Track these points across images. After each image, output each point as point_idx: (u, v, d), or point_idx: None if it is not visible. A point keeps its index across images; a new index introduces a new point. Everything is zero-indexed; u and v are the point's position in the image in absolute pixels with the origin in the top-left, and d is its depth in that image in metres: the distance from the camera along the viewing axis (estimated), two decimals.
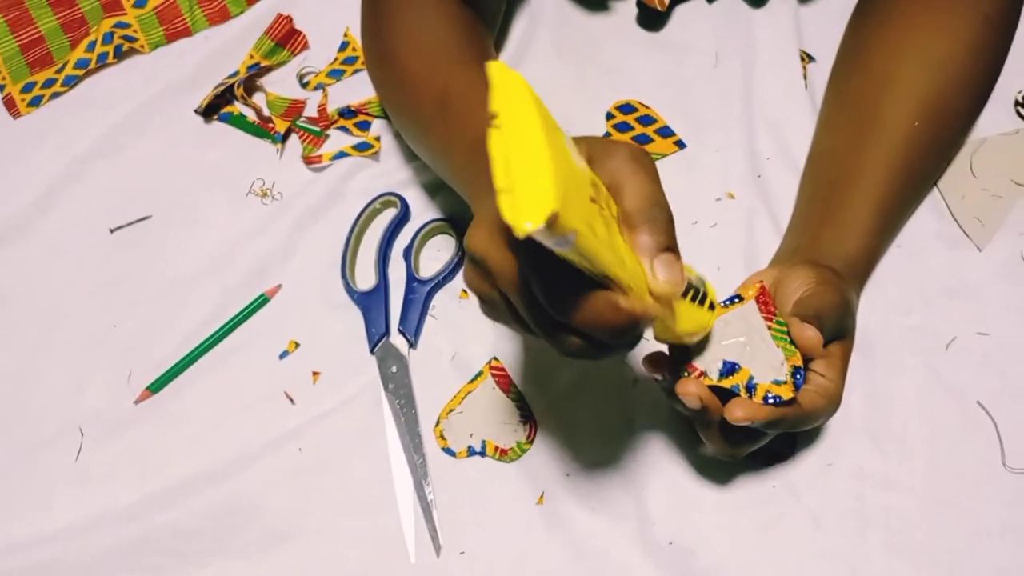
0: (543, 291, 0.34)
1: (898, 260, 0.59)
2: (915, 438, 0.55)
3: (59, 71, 0.72)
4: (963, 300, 0.58)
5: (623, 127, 0.66)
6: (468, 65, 0.53)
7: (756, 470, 0.55)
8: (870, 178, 0.54)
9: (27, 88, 0.71)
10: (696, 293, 0.42)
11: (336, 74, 0.71)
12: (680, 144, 0.65)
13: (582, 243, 0.29)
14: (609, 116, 0.66)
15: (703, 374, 0.45)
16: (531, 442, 0.56)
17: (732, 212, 0.62)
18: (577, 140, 0.36)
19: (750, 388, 0.45)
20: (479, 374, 0.58)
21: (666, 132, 0.65)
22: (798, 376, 0.45)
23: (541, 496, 0.55)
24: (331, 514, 0.56)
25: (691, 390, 0.44)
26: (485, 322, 0.59)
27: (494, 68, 0.29)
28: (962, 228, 0.60)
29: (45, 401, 0.61)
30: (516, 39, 0.70)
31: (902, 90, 0.55)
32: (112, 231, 0.66)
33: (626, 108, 0.66)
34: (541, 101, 0.30)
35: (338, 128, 0.68)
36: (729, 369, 0.46)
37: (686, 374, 0.45)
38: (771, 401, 0.45)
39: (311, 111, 0.69)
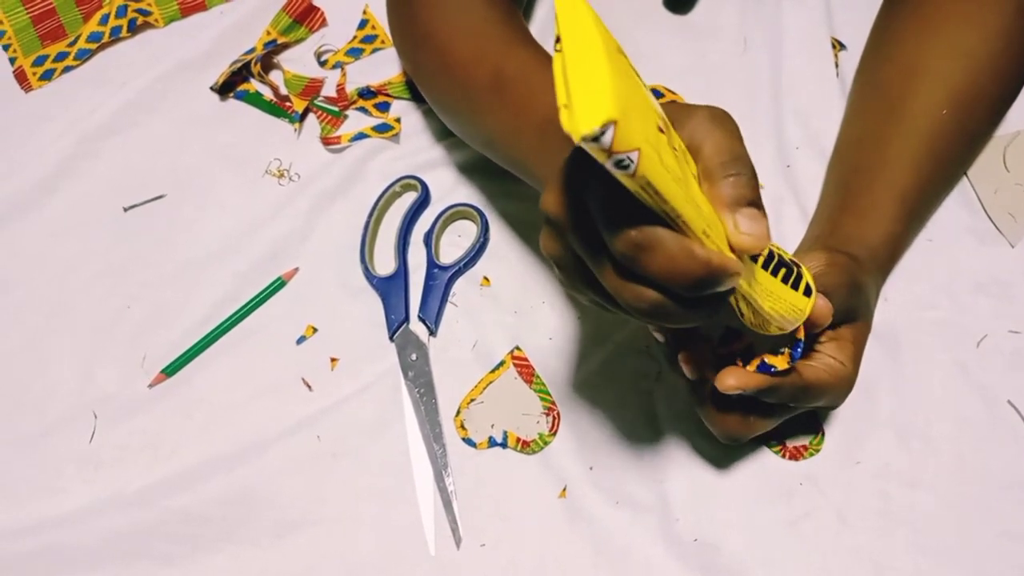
0: (606, 220, 0.31)
1: (928, 254, 0.58)
2: (942, 436, 0.54)
3: (71, 44, 0.70)
4: (994, 297, 0.57)
5: None
6: (518, 45, 0.51)
7: (780, 466, 0.54)
8: (894, 167, 0.53)
9: (39, 61, 0.70)
10: (789, 272, 0.40)
11: (355, 52, 0.69)
12: None
13: (647, 167, 0.28)
14: None
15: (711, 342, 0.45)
16: (554, 434, 0.55)
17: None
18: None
19: (747, 357, 0.45)
20: (501, 363, 0.57)
21: None
22: (797, 348, 0.44)
23: (564, 489, 0.54)
24: (348, 503, 0.55)
25: (728, 382, 0.43)
26: (507, 310, 0.59)
27: None
28: (994, 223, 0.59)
29: (58, 383, 0.60)
30: (540, 22, 0.68)
31: (930, 79, 0.54)
32: (126, 210, 0.65)
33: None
34: (605, 26, 0.29)
35: (357, 109, 0.67)
36: (730, 336, 0.46)
37: None
38: (765, 371, 0.44)
39: (329, 90, 0.68)
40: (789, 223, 0.60)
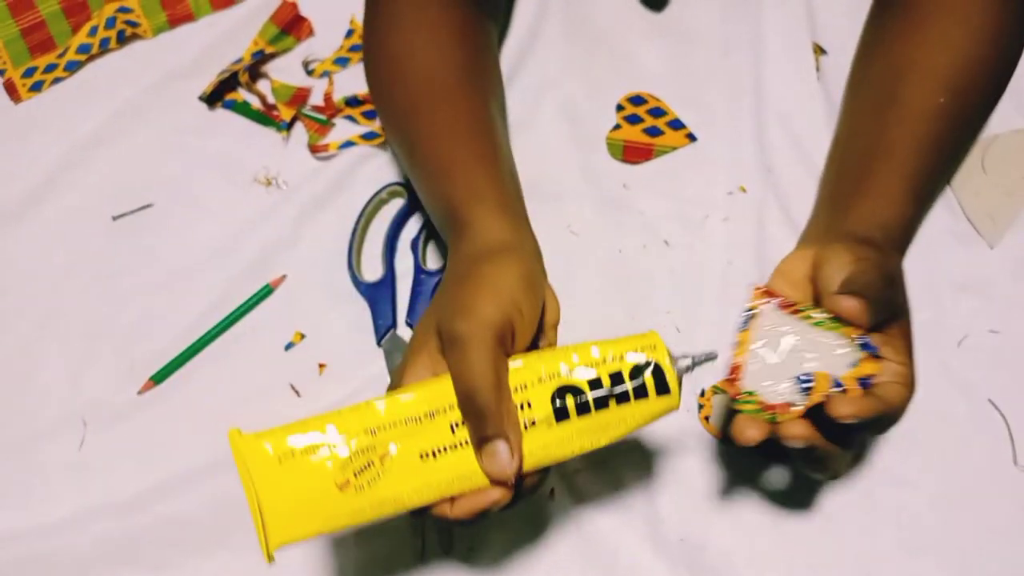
0: None
1: (909, 256, 0.58)
2: (926, 435, 0.55)
3: (61, 56, 0.70)
4: (975, 297, 0.58)
5: (634, 119, 0.65)
6: (460, 97, 0.54)
7: (766, 467, 0.54)
8: (898, 151, 0.53)
9: (28, 73, 0.70)
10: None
11: (342, 61, 0.70)
12: (691, 137, 0.64)
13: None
14: (619, 108, 0.66)
15: (790, 405, 0.42)
16: None
17: (744, 205, 0.62)
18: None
19: (839, 387, 0.42)
20: None
21: (677, 124, 0.65)
22: (868, 346, 0.42)
23: (552, 491, 0.54)
24: None
25: (796, 432, 0.42)
26: None
27: (231, 439, 0.43)
28: (974, 225, 0.60)
29: (47, 391, 0.60)
30: (525, 28, 0.69)
31: (922, 71, 0.54)
32: (114, 219, 0.65)
33: (637, 100, 0.66)
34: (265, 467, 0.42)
35: (344, 117, 0.68)
36: (807, 383, 0.42)
37: (767, 415, 0.42)
38: (867, 385, 0.42)
39: (317, 99, 0.68)
40: (773, 226, 0.61)
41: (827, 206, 0.55)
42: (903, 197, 0.51)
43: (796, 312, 0.44)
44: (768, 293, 0.44)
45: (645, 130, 0.65)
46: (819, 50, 0.66)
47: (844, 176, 0.55)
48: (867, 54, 0.60)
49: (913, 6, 0.57)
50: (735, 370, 0.43)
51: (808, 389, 0.42)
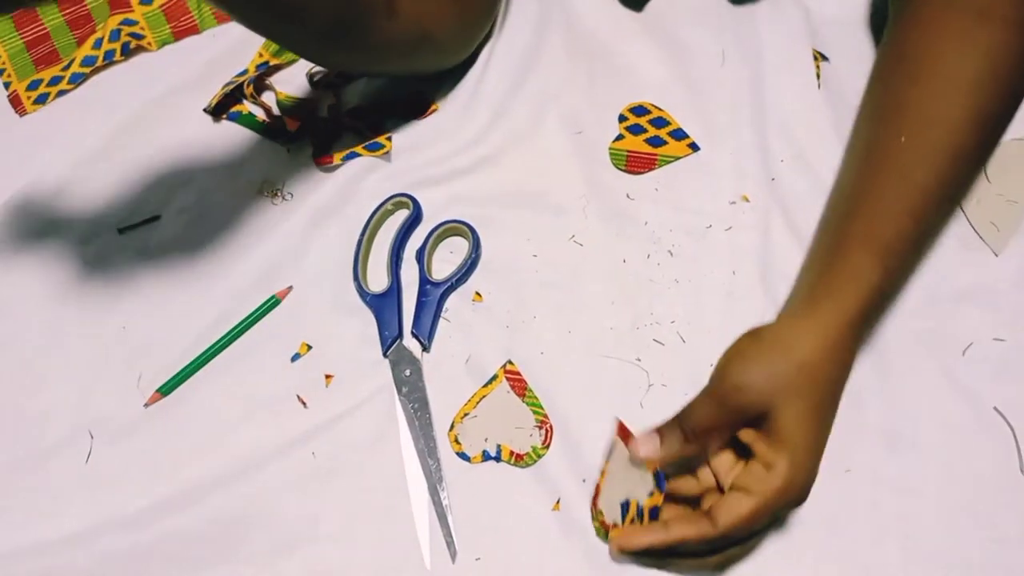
0: None
1: None
2: (931, 444, 0.55)
3: (65, 68, 0.71)
4: (979, 305, 0.58)
5: (636, 129, 0.65)
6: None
7: None
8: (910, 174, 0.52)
9: (33, 86, 0.71)
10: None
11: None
12: (694, 147, 0.65)
13: None
14: (622, 118, 0.66)
15: (614, 525, 0.51)
16: (547, 447, 0.56)
17: (747, 215, 0.62)
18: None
19: (639, 513, 0.50)
20: (494, 378, 0.58)
21: (680, 135, 0.65)
22: (659, 480, 0.48)
23: (557, 502, 0.54)
24: (344, 519, 0.55)
25: (627, 544, 0.49)
26: (499, 325, 0.60)
27: None
28: (978, 233, 0.60)
29: (54, 404, 0.60)
30: (526, 40, 0.69)
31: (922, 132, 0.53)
32: (120, 231, 0.65)
33: (639, 110, 0.66)
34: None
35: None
36: (624, 506, 0.50)
37: (603, 531, 0.52)
38: (652, 515, 0.49)
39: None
40: (777, 236, 0.61)
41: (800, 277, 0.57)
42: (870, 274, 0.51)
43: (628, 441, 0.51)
44: (621, 427, 0.51)
45: (647, 140, 0.65)
46: (820, 57, 0.66)
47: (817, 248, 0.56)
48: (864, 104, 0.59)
49: (925, 24, 0.55)
50: (596, 491, 0.53)
51: (625, 513, 0.51)
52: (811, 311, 0.51)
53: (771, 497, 0.46)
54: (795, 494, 0.47)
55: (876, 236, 0.51)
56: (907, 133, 0.53)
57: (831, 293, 0.51)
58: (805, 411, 0.47)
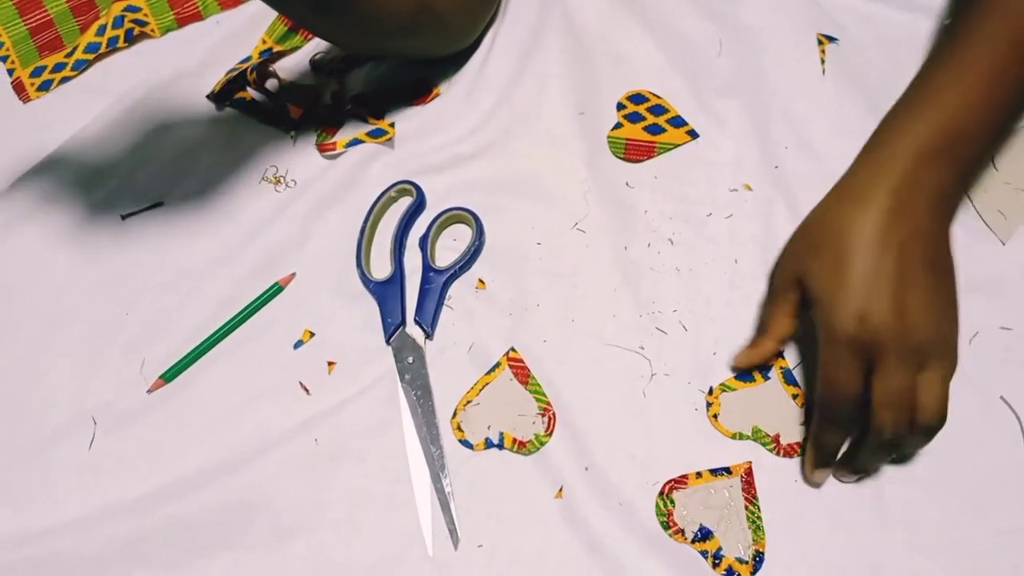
0: None
1: None
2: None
3: (69, 55, 0.71)
4: (986, 294, 0.58)
5: (634, 117, 0.65)
6: None
7: (774, 464, 0.54)
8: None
9: (36, 72, 0.70)
10: None
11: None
12: (692, 134, 0.64)
13: None
14: (620, 106, 0.66)
15: (681, 531, 0.52)
16: (550, 435, 0.56)
17: (749, 203, 0.62)
18: None
19: (717, 557, 0.51)
20: (497, 365, 0.58)
21: (678, 122, 0.65)
22: (758, 561, 0.51)
23: (560, 490, 0.54)
24: (346, 506, 0.55)
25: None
26: (502, 313, 0.59)
27: None
28: (984, 221, 0.60)
29: (57, 391, 0.60)
30: (525, 30, 0.69)
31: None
32: (123, 217, 0.65)
33: (637, 98, 0.66)
34: None
35: (352, 115, 0.68)
36: (704, 534, 0.52)
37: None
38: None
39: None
40: (779, 224, 0.60)
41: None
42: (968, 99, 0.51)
43: (749, 499, 0.53)
44: (748, 474, 0.54)
45: (646, 128, 0.64)
46: (825, 40, 0.66)
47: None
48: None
49: None
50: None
51: (700, 538, 0.53)
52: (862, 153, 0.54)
53: (824, 337, 0.50)
54: (842, 324, 0.49)
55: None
56: None
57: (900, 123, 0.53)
58: (825, 265, 0.51)
